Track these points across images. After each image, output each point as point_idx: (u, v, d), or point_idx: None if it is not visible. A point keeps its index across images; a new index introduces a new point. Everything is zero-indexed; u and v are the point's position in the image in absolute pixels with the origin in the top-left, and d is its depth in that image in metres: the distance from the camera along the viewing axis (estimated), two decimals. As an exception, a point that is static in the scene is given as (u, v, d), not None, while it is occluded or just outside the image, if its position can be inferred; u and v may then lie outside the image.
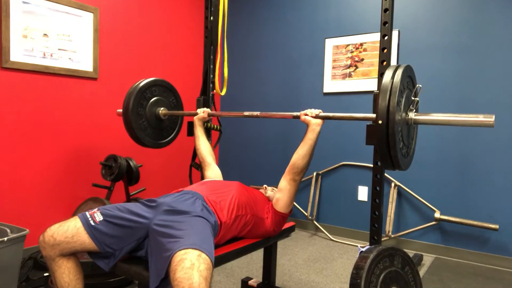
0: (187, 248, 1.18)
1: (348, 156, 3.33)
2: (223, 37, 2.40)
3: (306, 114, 1.72)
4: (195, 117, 2.20)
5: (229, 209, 1.56)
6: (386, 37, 1.81)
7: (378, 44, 1.85)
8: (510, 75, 2.67)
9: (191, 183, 2.38)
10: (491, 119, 1.28)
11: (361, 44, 3.23)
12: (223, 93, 2.48)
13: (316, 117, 1.69)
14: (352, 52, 3.28)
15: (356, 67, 3.26)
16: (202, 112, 2.19)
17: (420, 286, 1.68)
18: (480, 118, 1.31)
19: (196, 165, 2.48)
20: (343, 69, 3.32)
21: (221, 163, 4.16)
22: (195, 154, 2.50)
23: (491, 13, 2.73)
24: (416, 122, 1.43)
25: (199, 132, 2.18)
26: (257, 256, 2.65)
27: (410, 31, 3.02)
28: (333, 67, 3.38)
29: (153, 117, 2.28)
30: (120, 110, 2.26)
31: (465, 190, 2.82)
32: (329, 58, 3.40)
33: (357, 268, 1.46)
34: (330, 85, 3.40)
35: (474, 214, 2.77)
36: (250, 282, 2.11)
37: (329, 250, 2.99)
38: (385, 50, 1.82)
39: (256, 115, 1.91)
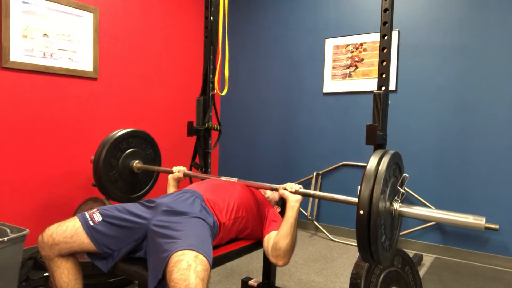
0: (184, 249, 1.17)
1: (348, 156, 3.33)
2: (224, 37, 2.40)
3: (285, 189, 1.56)
4: (169, 176, 1.98)
5: (229, 210, 1.55)
6: (386, 37, 1.81)
7: (378, 44, 1.85)
8: (510, 75, 2.67)
9: (190, 182, 2.37)
10: (481, 221, 1.17)
11: (361, 44, 3.23)
12: (224, 93, 2.48)
13: (296, 192, 1.54)
14: (352, 52, 3.27)
15: (356, 67, 3.25)
16: (178, 171, 1.97)
17: (420, 286, 1.68)
18: (470, 219, 1.19)
19: (196, 165, 2.48)
20: (343, 69, 3.32)
21: (221, 163, 4.16)
22: (195, 154, 2.50)
23: (491, 13, 2.72)
24: (401, 214, 1.29)
25: (171, 192, 1.87)
26: (257, 256, 2.65)
27: (410, 31, 3.02)
28: (333, 67, 3.37)
29: (126, 170, 2.13)
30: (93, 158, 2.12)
31: (465, 190, 2.82)
32: (329, 58, 3.40)
33: (357, 268, 1.46)
34: (330, 85, 3.40)
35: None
36: (250, 282, 2.11)
37: (329, 250, 2.99)
38: (385, 50, 1.82)
39: (234, 181, 1.75)
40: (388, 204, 1.25)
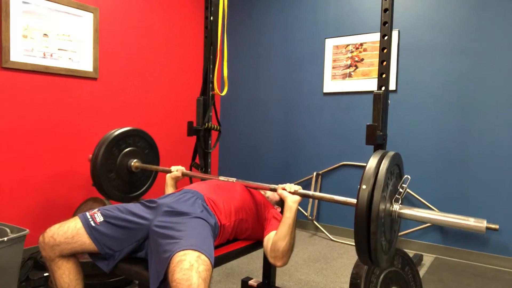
0: (186, 249, 1.17)
1: (348, 156, 3.33)
2: (223, 37, 2.40)
3: (284, 189, 1.54)
4: (167, 175, 1.95)
5: (230, 212, 1.55)
6: (386, 37, 1.81)
7: (378, 44, 1.85)
8: (510, 75, 2.67)
9: (191, 183, 2.37)
10: (482, 224, 1.15)
11: (361, 44, 3.23)
12: (224, 93, 2.48)
13: (294, 193, 1.51)
14: (352, 52, 3.28)
15: (356, 67, 3.25)
16: (176, 170, 1.95)
17: (420, 286, 1.68)
18: (471, 222, 1.16)
19: (196, 165, 2.48)
20: (343, 69, 3.32)
21: (221, 162, 4.16)
22: (195, 154, 2.50)
23: (491, 13, 2.73)
24: (401, 216, 1.27)
25: (169, 192, 1.89)
26: (257, 256, 2.65)
27: (410, 31, 3.02)
28: (333, 67, 3.37)
29: (124, 169, 2.10)
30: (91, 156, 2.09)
31: (465, 190, 2.82)
32: (329, 58, 3.40)
33: (357, 268, 1.46)
34: (330, 85, 3.40)
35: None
36: (250, 282, 2.11)
37: (329, 250, 2.99)
38: (385, 50, 1.83)
39: (232, 181, 1.74)
40: (387, 206, 1.23)
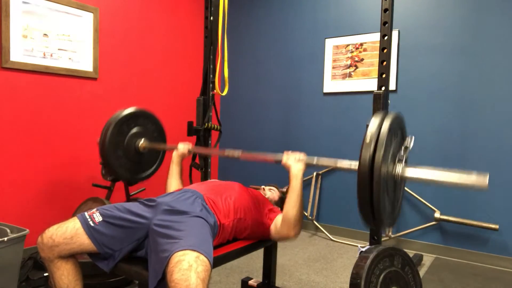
0: (185, 250, 1.17)
1: (348, 156, 3.30)
2: (223, 37, 2.40)
3: (288, 158, 1.57)
4: (174, 153, 1.97)
5: (229, 211, 1.55)
6: (386, 37, 1.81)
7: (378, 44, 1.85)
8: (510, 75, 2.67)
9: (191, 183, 2.37)
10: (485, 180, 1.13)
11: (361, 44, 3.23)
12: (224, 93, 2.48)
13: (299, 161, 1.55)
14: (352, 52, 3.27)
15: (356, 67, 3.25)
16: (183, 148, 1.97)
17: (420, 286, 1.67)
18: (473, 178, 1.15)
19: (196, 165, 2.48)
20: (343, 69, 3.32)
21: (221, 162, 4.16)
22: (195, 154, 2.50)
23: (490, 13, 2.72)
24: (404, 178, 1.26)
25: (174, 171, 1.94)
26: (257, 256, 2.65)
27: (410, 31, 3.02)
28: (333, 67, 3.37)
29: (132, 150, 2.10)
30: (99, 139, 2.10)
31: (465, 190, 2.82)
32: (329, 58, 3.40)
33: (357, 268, 1.46)
34: (330, 85, 3.40)
35: (474, 214, 2.76)
36: (250, 282, 2.11)
37: (329, 250, 2.99)
38: (385, 50, 1.83)
39: (238, 155, 1.74)
40: (390, 167, 1.21)
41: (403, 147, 1.29)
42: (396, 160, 1.25)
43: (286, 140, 3.67)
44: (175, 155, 1.97)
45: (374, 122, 1.20)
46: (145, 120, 2.18)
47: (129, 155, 2.10)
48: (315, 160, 1.56)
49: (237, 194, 1.64)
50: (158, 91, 3.42)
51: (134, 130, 2.12)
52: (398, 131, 1.31)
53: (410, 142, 1.30)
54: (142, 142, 2.13)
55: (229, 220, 1.53)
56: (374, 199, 1.13)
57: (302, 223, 1.54)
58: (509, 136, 2.67)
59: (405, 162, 1.27)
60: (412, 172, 1.24)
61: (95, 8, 2.84)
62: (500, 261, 2.69)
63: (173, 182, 1.92)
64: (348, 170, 1.43)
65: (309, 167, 3.44)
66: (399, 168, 1.24)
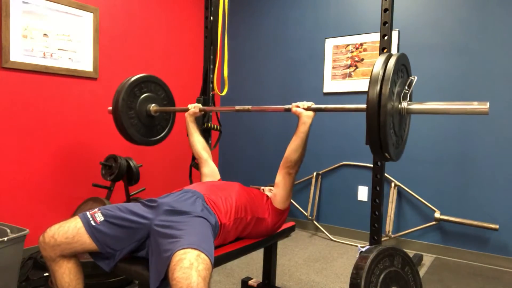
0: (186, 248, 1.18)
1: (348, 156, 3.33)
2: (223, 37, 2.40)
3: (298, 106, 1.67)
4: (186, 113, 2.12)
5: (230, 211, 1.55)
6: (386, 37, 1.81)
7: (378, 44, 1.85)
8: (510, 75, 2.67)
9: (191, 183, 2.38)
10: (485, 106, 1.22)
11: (361, 44, 3.23)
12: (223, 93, 2.48)
13: (308, 109, 1.64)
14: (352, 52, 3.28)
15: (356, 67, 3.26)
16: (193, 107, 2.11)
17: (420, 286, 1.68)
18: (475, 105, 1.24)
19: (196, 165, 2.47)
20: (343, 69, 3.32)
21: (221, 162, 4.16)
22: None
23: (491, 13, 2.73)
24: (409, 112, 1.36)
25: (192, 129, 2.10)
26: (257, 256, 2.65)
27: (410, 31, 3.02)
28: (333, 67, 3.38)
29: (143, 114, 2.21)
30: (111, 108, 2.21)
31: (465, 190, 2.82)
32: (329, 58, 3.40)
33: (357, 268, 1.46)
34: (330, 85, 3.40)
35: (474, 214, 2.77)
36: (250, 282, 2.11)
37: (329, 250, 2.99)
38: (385, 50, 1.82)
39: (248, 109, 1.85)
40: (396, 104, 1.31)
41: (407, 84, 1.40)
42: (401, 97, 1.36)
43: (286, 140, 3.65)
44: (187, 115, 2.11)
45: (379, 61, 1.30)
46: (155, 86, 2.28)
47: (141, 119, 2.20)
48: (322, 106, 1.64)
49: (238, 193, 1.65)
50: (158, 91, 3.41)
51: (145, 95, 2.22)
52: (403, 69, 1.41)
53: (413, 79, 1.41)
54: (153, 106, 2.24)
55: (229, 219, 1.54)
56: (382, 135, 1.24)
57: (301, 164, 1.67)
58: (509, 136, 2.67)
59: (410, 98, 1.38)
60: (417, 106, 1.35)
61: (95, 8, 2.84)
62: (500, 261, 2.69)
63: (196, 139, 2.07)
64: (356, 110, 1.55)
65: (309, 167, 3.45)
66: (404, 104, 1.35)
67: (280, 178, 1.69)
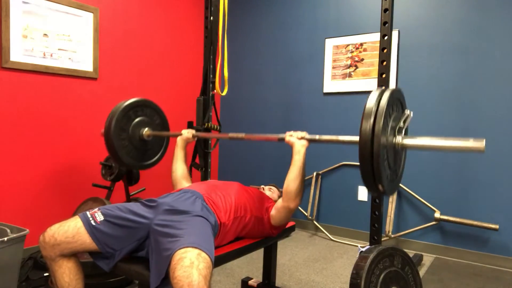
0: (187, 247, 1.18)
1: (348, 156, 3.33)
2: (223, 37, 2.40)
3: (291, 136, 1.65)
4: (178, 138, 2.07)
5: (229, 210, 1.56)
6: (386, 37, 1.81)
7: (378, 44, 1.85)
8: (510, 75, 2.67)
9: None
10: (481, 144, 1.18)
11: (361, 44, 3.23)
12: (224, 93, 2.48)
13: (301, 138, 1.62)
14: (352, 52, 3.28)
15: (356, 67, 3.26)
16: (187, 132, 2.07)
17: (420, 286, 1.68)
18: (471, 142, 1.19)
19: (196, 165, 2.48)
20: (343, 69, 3.32)
21: (221, 162, 4.16)
22: (195, 154, 2.50)
23: (491, 13, 2.73)
24: (404, 146, 1.31)
25: (179, 154, 2.03)
26: (257, 256, 2.65)
27: (410, 31, 3.02)
28: (333, 67, 3.38)
29: (136, 138, 2.15)
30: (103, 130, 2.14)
31: (465, 190, 2.82)
32: (329, 58, 3.40)
33: (357, 268, 1.46)
34: (330, 85, 3.40)
35: (474, 214, 2.76)
36: (250, 282, 2.11)
37: (329, 250, 2.99)
38: (385, 50, 1.83)
39: (241, 137, 1.81)
40: (390, 138, 1.28)
41: (403, 119, 1.36)
42: (396, 131, 1.32)
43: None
44: (179, 139, 2.06)
45: (373, 96, 1.27)
46: (149, 110, 2.23)
47: (134, 142, 2.15)
48: (317, 136, 1.61)
49: (237, 193, 1.65)
50: (158, 91, 3.42)
51: (139, 119, 2.17)
52: (398, 104, 1.37)
53: (409, 114, 1.37)
54: (146, 130, 2.19)
55: (229, 219, 1.54)
56: (375, 168, 1.20)
57: (302, 195, 1.61)
58: (509, 136, 2.67)
59: (405, 132, 1.35)
60: (412, 141, 1.31)
61: (95, 8, 2.84)
62: (500, 261, 2.69)
63: (179, 166, 2.00)
64: (350, 143, 1.52)
65: (309, 167, 3.46)
66: (399, 138, 1.31)
67: (280, 207, 1.64)
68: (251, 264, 2.60)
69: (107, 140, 2.06)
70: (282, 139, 1.68)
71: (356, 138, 1.39)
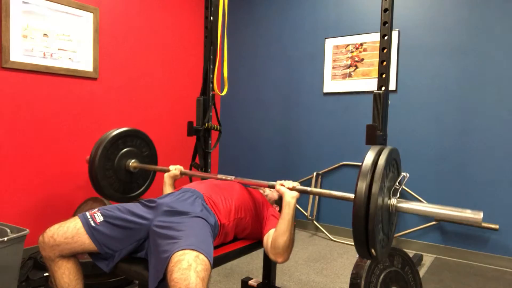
0: (185, 249, 1.18)
1: (348, 156, 3.33)
2: (223, 37, 2.40)
3: (282, 185, 1.53)
4: (165, 174, 1.94)
5: (230, 211, 1.55)
6: (386, 37, 1.81)
7: (378, 44, 1.85)
8: (510, 75, 2.67)
9: (190, 181, 2.37)
10: (478, 216, 1.13)
11: (361, 44, 3.23)
12: (223, 93, 2.48)
13: (292, 189, 1.51)
14: (352, 52, 3.28)
15: (356, 67, 3.25)
16: (175, 169, 1.93)
17: (420, 286, 1.68)
18: (468, 214, 1.15)
19: (196, 165, 2.48)
20: (343, 69, 3.32)
21: (221, 162, 4.16)
22: (195, 154, 2.50)
23: (491, 13, 2.73)
24: (398, 210, 1.25)
25: (168, 191, 1.88)
26: (257, 256, 2.65)
27: (410, 31, 3.02)
28: (333, 67, 3.37)
29: (122, 169, 2.08)
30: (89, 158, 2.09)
31: (465, 190, 2.82)
32: (329, 58, 3.40)
33: (357, 268, 1.46)
34: (330, 85, 3.40)
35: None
36: (250, 282, 2.11)
37: (329, 250, 2.99)
38: (385, 50, 1.83)
39: (230, 179, 1.73)
40: (385, 199, 1.22)
41: (398, 181, 1.32)
42: (391, 193, 1.27)
43: (286, 140, 3.67)
44: (166, 176, 1.93)
45: (370, 155, 1.22)
46: (139, 141, 2.17)
47: (118, 173, 2.08)
48: (308, 188, 1.52)
49: (237, 193, 1.64)
50: (158, 91, 3.42)
51: (127, 149, 2.10)
52: (394, 164, 1.33)
53: (404, 179, 1.33)
54: (132, 161, 2.11)
55: (229, 220, 1.54)
56: (369, 230, 1.13)
57: (291, 251, 1.48)
58: (509, 136, 2.67)
59: (399, 194, 1.29)
60: (407, 205, 1.24)
61: (95, 8, 2.84)
62: (500, 261, 2.69)
63: None
64: (343, 199, 1.42)
65: (309, 167, 3.44)
66: (393, 200, 1.25)
67: (266, 247, 1.53)
68: (251, 264, 2.60)
69: (91, 170, 2.01)
70: (273, 187, 1.58)
71: (350, 195, 1.34)
